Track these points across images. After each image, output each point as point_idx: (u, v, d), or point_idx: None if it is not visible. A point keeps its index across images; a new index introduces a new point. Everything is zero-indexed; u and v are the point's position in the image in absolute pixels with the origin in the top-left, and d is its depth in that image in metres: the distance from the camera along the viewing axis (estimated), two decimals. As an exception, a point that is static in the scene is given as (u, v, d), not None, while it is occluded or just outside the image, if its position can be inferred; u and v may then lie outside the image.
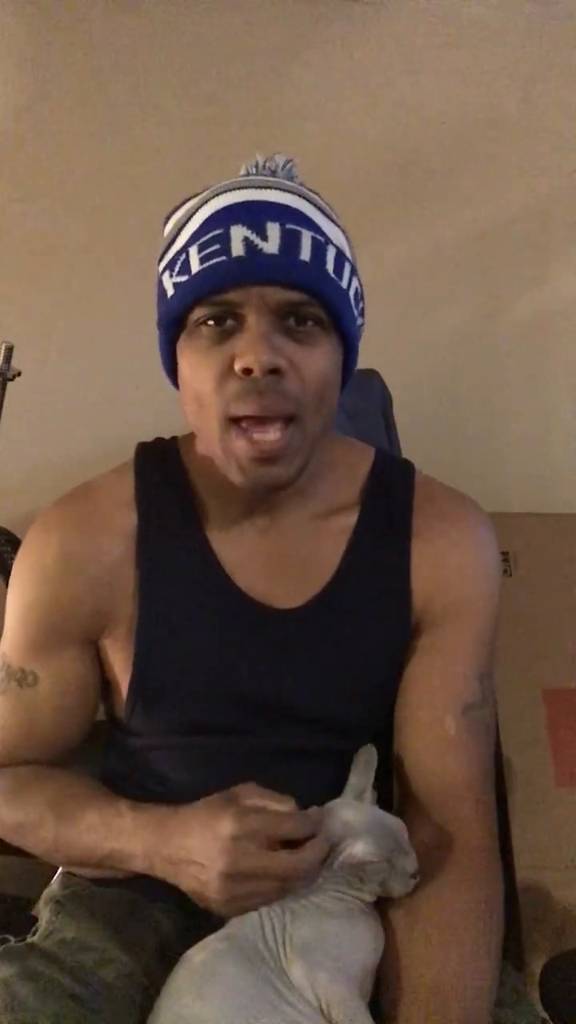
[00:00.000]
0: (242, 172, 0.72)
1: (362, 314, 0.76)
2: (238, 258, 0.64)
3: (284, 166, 0.72)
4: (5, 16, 1.62)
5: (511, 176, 1.62)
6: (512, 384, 1.65)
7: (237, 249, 0.65)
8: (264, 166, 0.72)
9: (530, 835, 1.08)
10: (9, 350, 1.28)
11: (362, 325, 0.77)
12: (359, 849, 0.65)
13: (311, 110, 1.62)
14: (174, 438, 0.84)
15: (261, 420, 0.66)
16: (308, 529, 0.79)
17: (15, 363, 1.29)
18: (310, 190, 0.72)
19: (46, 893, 0.75)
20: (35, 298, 1.65)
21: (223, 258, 0.65)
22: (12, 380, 1.30)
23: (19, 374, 1.30)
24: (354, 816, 0.68)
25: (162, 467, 0.81)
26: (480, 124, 1.61)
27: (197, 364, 0.68)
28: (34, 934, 0.70)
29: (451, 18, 1.59)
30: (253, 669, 0.75)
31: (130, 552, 0.77)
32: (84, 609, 0.76)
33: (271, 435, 0.66)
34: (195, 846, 0.64)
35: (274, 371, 0.65)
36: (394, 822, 0.69)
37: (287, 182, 0.70)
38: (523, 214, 1.62)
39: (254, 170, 0.72)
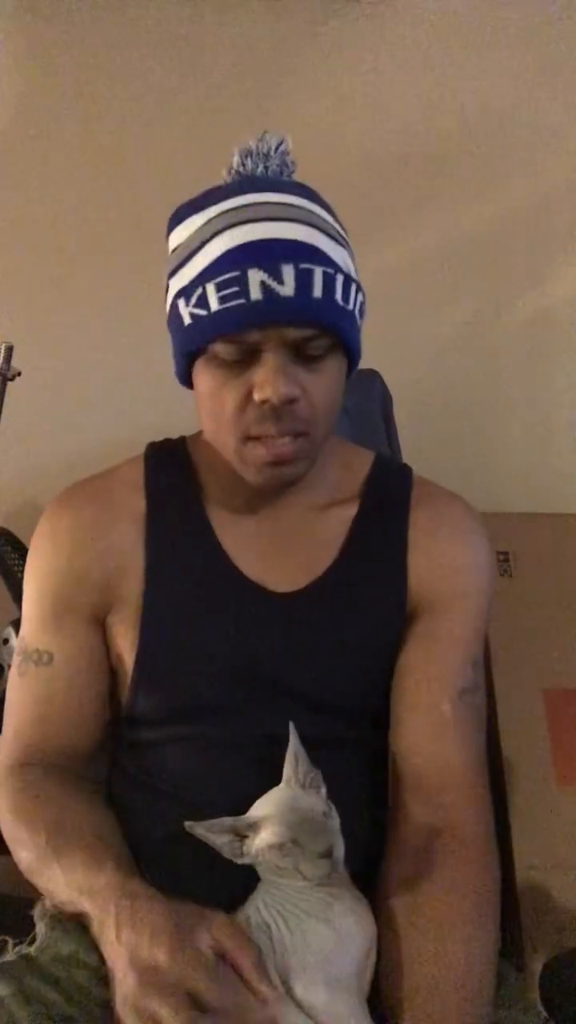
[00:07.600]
0: (235, 161, 0.75)
1: (362, 316, 0.78)
2: (256, 302, 0.68)
3: (277, 148, 0.75)
4: (3, 12, 1.62)
5: (511, 176, 1.62)
6: (512, 384, 1.65)
7: (255, 293, 0.68)
8: (257, 152, 0.75)
9: (530, 835, 1.08)
10: (9, 350, 1.29)
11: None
12: (263, 835, 0.65)
13: (311, 109, 1.62)
14: (182, 437, 0.89)
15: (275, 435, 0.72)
16: (307, 520, 0.83)
17: (15, 363, 1.29)
18: (312, 193, 0.75)
19: (41, 906, 0.74)
20: (35, 298, 1.65)
21: (242, 301, 0.68)
22: (12, 380, 1.30)
23: (19, 374, 1.30)
24: (262, 803, 0.68)
25: (170, 460, 0.86)
26: (480, 124, 1.61)
27: (216, 389, 0.72)
28: (31, 942, 0.70)
29: (451, 18, 1.59)
30: (253, 649, 0.78)
31: (139, 535, 0.81)
32: (92, 581, 0.80)
33: (284, 444, 0.72)
34: (140, 944, 0.60)
35: (290, 401, 0.70)
36: (310, 803, 0.66)
37: (295, 205, 0.72)
38: (523, 214, 1.62)
39: (248, 161, 0.75)
